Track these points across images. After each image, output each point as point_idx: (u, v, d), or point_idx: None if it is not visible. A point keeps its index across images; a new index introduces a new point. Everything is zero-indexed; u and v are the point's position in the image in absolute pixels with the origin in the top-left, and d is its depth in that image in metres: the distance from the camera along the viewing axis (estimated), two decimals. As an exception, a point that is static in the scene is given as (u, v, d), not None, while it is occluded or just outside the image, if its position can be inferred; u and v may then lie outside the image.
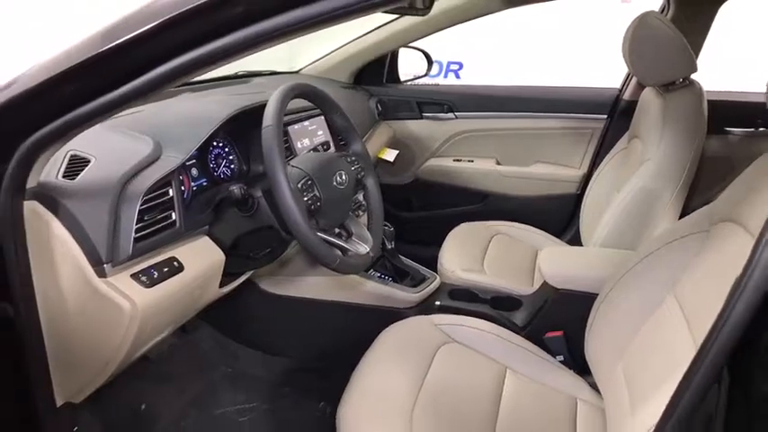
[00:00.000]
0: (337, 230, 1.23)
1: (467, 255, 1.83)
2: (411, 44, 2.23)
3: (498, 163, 2.26)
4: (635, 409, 0.96)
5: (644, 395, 0.95)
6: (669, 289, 1.06)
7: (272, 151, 1.02)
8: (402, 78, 2.40)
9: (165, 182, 1.04)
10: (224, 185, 1.26)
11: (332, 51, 2.21)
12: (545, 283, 1.54)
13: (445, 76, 4.98)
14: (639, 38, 1.58)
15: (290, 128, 1.49)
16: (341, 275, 1.62)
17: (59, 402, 1.02)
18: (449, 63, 5.14)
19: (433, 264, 1.84)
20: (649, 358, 1.04)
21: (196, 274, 1.10)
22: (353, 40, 2.17)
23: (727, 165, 1.87)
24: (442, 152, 2.31)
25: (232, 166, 1.34)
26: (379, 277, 1.68)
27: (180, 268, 1.06)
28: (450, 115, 2.24)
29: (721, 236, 0.96)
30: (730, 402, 0.64)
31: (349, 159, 1.27)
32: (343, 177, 1.20)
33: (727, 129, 1.89)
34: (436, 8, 1.94)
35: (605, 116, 2.08)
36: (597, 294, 1.25)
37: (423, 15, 1.45)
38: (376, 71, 2.28)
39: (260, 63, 2.07)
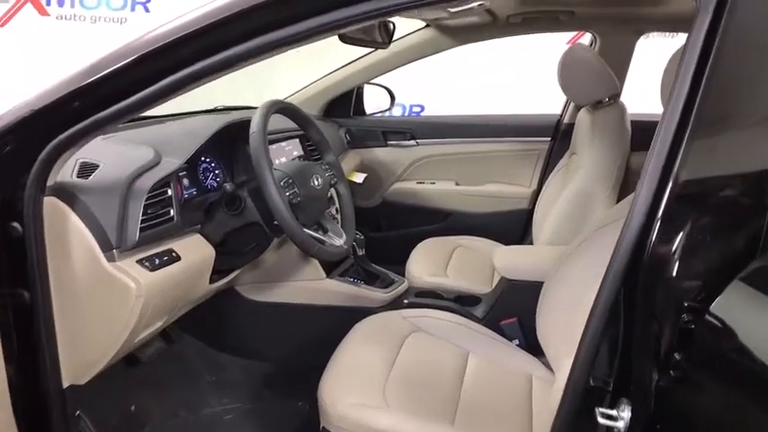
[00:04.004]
0: (315, 227, 1.39)
1: (432, 263, 2.01)
2: (375, 82, 2.46)
3: (457, 184, 2.47)
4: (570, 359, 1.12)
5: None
6: (600, 269, 1.23)
7: (258, 152, 1.19)
8: (368, 112, 2.62)
9: (165, 182, 1.21)
10: (212, 194, 1.43)
11: (302, 88, 2.42)
12: (501, 279, 1.72)
13: (408, 117, 5.27)
14: (569, 65, 1.85)
15: (270, 147, 1.67)
16: (317, 280, 1.77)
17: (65, 384, 1.13)
18: (411, 106, 5.46)
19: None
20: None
21: (191, 264, 1.25)
22: (322, 77, 2.39)
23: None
24: (407, 176, 2.51)
25: (218, 179, 1.51)
26: (352, 281, 1.84)
27: (177, 258, 1.21)
28: (412, 142, 2.46)
29: None
30: (627, 311, 0.81)
31: (324, 167, 1.46)
32: (319, 181, 1.38)
33: None
34: (394, 48, 2.20)
35: (549, 138, 2.33)
36: (543, 283, 1.42)
37: (383, 48, 1.69)
38: (343, 105, 2.50)
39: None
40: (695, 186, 0.74)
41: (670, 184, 0.72)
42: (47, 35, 3.88)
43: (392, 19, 1.65)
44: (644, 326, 0.80)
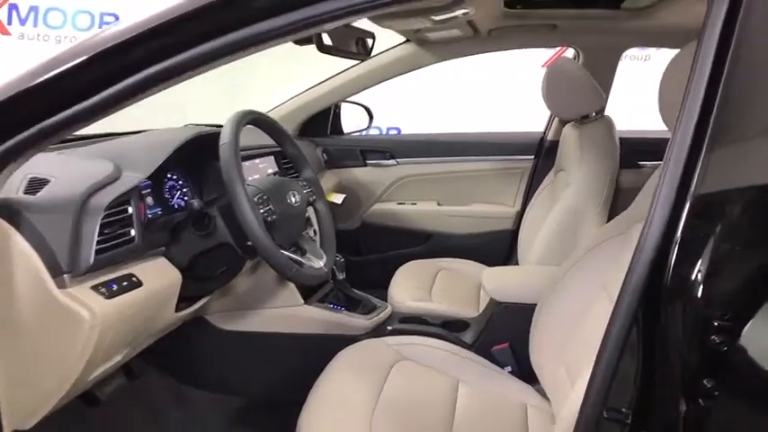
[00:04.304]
0: (292, 248, 1.29)
1: (415, 287, 1.91)
2: (353, 100, 2.38)
3: (439, 204, 2.39)
4: (575, 388, 1.04)
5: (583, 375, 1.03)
6: (599, 289, 1.15)
7: (229, 165, 1.09)
8: (345, 131, 2.54)
9: (124, 199, 1.09)
10: (179, 214, 1.31)
11: (277, 106, 2.33)
12: (490, 301, 1.63)
13: (384, 141, 5.23)
14: (555, 80, 1.81)
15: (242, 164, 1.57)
16: (294, 307, 1.66)
17: (8, 430, 0.99)
18: (388, 129, 5.44)
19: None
20: (587, 352, 1.12)
21: (154, 290, 1.13)
22: (297, 94, 2.31)
23: (643, 194, 2.08)
24: (387, 197, 2.43)
25: (185, 198, 1.39)
26: (332, 307, 1.73)
27: (138, 284, 1.09)
28: (392, 162, 2.39)
29: (639, 234, 1.09)
30: (647, 335, 0.73)
31: (301, 184, 1.36)
32: (296, 197, 1.28)
33: (640, 162, 2.12)
34: (373, 63, 2.14)
35: (532, 156, 2.28)
36: (536, 305, 1.34)
37: (363, 60, 1.62)
38: (320, 124, 2.40)
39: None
40: (716, 201, 0.71)
41: (688, 201, 0.68)
42: (7, 55, 3.72)
43: (370, 29, 1.59)
44: (667, 351, 0.72)
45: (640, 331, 0.73)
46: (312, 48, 1.27)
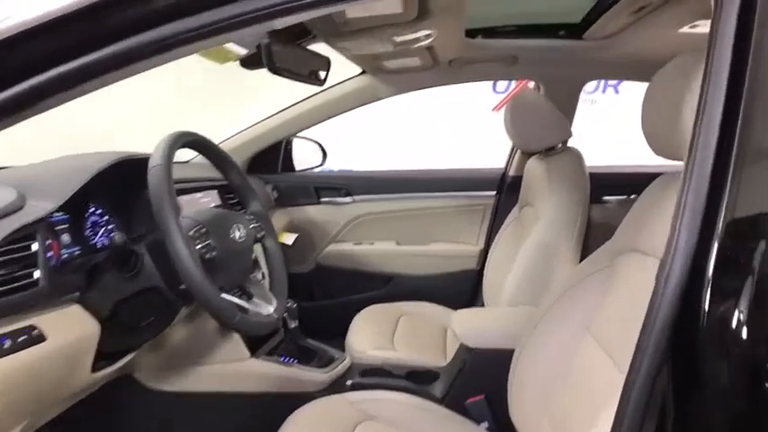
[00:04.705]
0: (236, 292, 1.11)
1: (376, 334, 1.75)
2: (305, 136, 2.26)
3: (398, 244, 2.27)
4: None
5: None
6: (583, 331, 1.05)
7: (160, 191, 0.92)
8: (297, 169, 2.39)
9: (27, 233, 0.89)
10: (102, 254, 1.11)
11: (223, 140, 2.17)
12: (460, 347, 1.49)
13: (335, 184, 5.15)
14: (519, 111, 1.74)
15: (179, 198, 1.39)
16: (239, 362, 1.46)
17: None
18: (340, 170, 5.37)
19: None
20: (576, 403, 1.00)
21: (61, 345, 0.92)
22: (244, 129, 2.16)
23: (610, 229, 2.01)
24: (342, 237, 2.28)
25: (111, 235, 1.19)
26: (283, 360, 1.53)
27: (40, 338, 0.88)
28: (348, 199, 2.25)
29: (626, 266, 0.98)
30: (679, 394, 0.61)
31: (248, 218, 1.19)
32: (242, 231, 1.10)
33: (605, 198, 2.06)
34: (327, 96, 2.03)
35: (494, 192, 2.20)
36: (513, 350, 1.22)
37: (318, 86, 1.50)
38: (270, 160, 2.26)
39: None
40: (751, 228, 0.64)
41: (718, 232, 0.61)
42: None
43: (327, 55, 1.48)
44: (706, 405, 0.60)
45: (670, 383, 0.61)
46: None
